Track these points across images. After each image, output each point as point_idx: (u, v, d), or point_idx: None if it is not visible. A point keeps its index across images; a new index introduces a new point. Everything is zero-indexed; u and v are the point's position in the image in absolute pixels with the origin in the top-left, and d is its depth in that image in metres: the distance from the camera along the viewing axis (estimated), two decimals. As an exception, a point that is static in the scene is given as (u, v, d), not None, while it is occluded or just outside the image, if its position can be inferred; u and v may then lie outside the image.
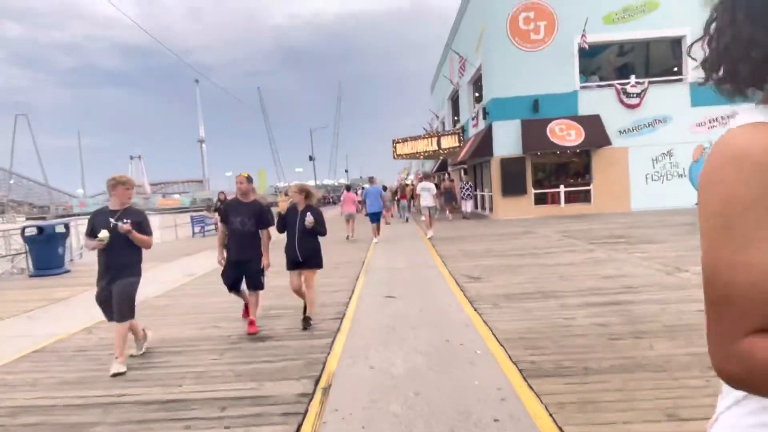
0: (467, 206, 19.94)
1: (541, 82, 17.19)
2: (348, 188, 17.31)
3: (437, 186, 20.19)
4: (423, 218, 14.24)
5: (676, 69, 18.18)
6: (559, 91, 17.21)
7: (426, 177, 16.62)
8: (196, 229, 18.93)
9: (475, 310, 5.37)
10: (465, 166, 23.98)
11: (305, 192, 5.29)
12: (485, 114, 18.23)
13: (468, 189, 21.41)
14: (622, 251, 8.57)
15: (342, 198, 16.86)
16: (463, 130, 22.96)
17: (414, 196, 18.83)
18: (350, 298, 6.38)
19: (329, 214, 29.08)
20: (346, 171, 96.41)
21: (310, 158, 49.58)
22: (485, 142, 17.79)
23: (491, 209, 19.15)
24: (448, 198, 20.51)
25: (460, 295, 6.14)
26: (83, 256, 14.81)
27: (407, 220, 20.38)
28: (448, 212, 19.62)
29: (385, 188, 28.67)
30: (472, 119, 20.89)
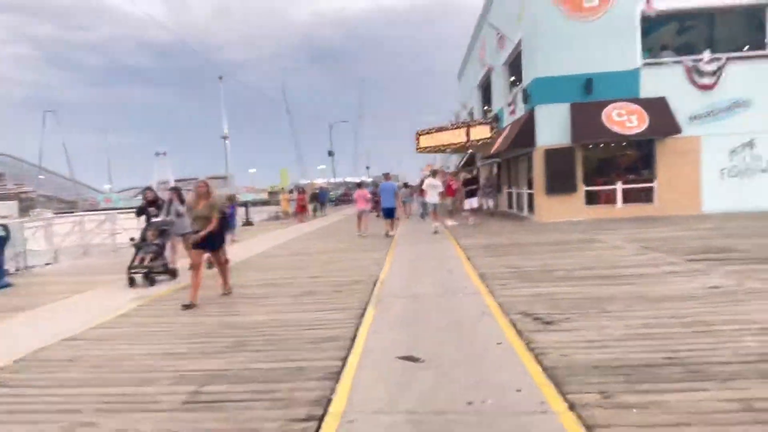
0: (483, 203, 17.28)
1: (594, 58, 14.38)
2: (359, 186, 15.78)
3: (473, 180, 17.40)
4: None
5: (752, 43, 15.10)
6: (616, 68, 14.38)
7: (434, 174, 14.89)
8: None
9: (572, 407, 2.84)
10: (498, 160, 21.25)
11: None
12: (526, 97, 15.50)
13: (491, 186, 19.41)
14: (752, 276, 5.87)
15: (354, 196, 15.49)
16: (497, 118, 20.24)
17: (422, 193, 16.97)
18: (346, 358, 3.90)
19: (349, 211, 26.64)
20: (368, 168, 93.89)
21: (330, 153, 47.41)
22: (526, 130, 15.08)
23: (531, 209, 16.42)
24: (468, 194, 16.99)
25: (531, 362, 3.60)
26: (56, 260, 12.79)
27: (423, 218, 17.93)
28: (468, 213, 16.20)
29: (406, 185, 26.43)
30: (508, 105, 18.16)
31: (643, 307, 4.82)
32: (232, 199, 13.76)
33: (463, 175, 16.62)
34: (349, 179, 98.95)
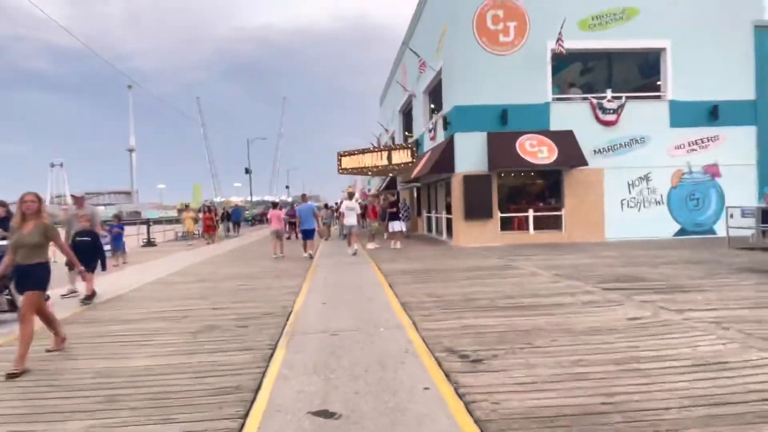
0: (402, 227, 17.06)
1: (510, 90, 14.96)
2: (275, 205, 15.35)
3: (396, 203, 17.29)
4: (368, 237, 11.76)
5: (647, 84, 16.64)
6: (529, 101, 15.04)
7: (350, 197, 15.02)
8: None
9: (513, 474, 2.42)
10: (418, 185, 21.40)
11: None
12: (446, 124, 15.72)
13: (406, 210, 19.73)
14: (662, 305, 5.99)
15: (269, 216, 14.68)
16: (417, 143, 20.44)
17: (340, 215, 17.39)
18: (246, 415, 3.22)
19: (266, 232, 25.28)
20: (287, 187, 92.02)
21: (246, 171, 45.58)
22: (446, 156, 15.23)
23: (449, 233, 16.55)
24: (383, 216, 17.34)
25: (462, 413, 3.17)
26: None
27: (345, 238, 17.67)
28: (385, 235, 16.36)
29: (326, 206, 25.95)
30: (429, 131, 18.41)
31: (569, 341, 4.64)
32: (118, 218, 12.26)
33: (384, 198, 16.43)
34: (267, 198, 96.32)
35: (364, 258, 12.63)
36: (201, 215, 20.54)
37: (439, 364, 4.12)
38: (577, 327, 5.14)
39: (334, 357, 4.42)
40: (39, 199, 4.62)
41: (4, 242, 6.23)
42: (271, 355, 4.54)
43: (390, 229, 15.47)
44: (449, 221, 16.62)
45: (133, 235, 20.88)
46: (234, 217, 26.76)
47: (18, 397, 3.71)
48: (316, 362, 4.28)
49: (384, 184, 31.27)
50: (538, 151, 14.61)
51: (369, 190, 49.11)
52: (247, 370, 4.12)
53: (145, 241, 20.42)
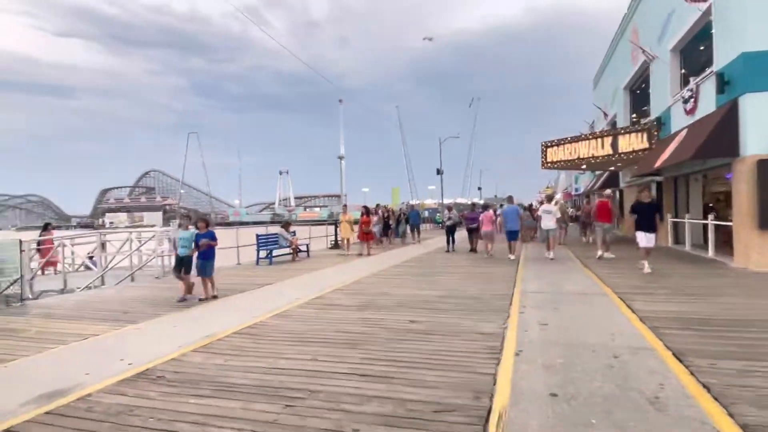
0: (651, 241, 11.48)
1: None
2: (485, 207, 14.89)
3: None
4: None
5: None
6: None
7: (548, 199, 14.44)
8: (261, 254, 13.96)
9: None
10: (659, 179, 15.93)
11: None
12: (722, 85, 10.47)
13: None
14: None
15: (480, 218, 14.02)
16: (659, 123, 15.13)
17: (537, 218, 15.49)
18: None
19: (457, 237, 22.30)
20: (479, 188, 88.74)
21: (438, 171, 43.98)
22: (721, 131, 10.12)
23: (722, 249, 11.25)
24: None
25: None
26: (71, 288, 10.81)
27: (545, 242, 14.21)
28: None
29: (524, 208, 22.40)
30: (685, 102, 13.04)
31: None
32: (205, 222, 8.29)
33: (644, 196, 10.35)
34: (460, 200, 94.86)
35: (593, 282, 8.69)
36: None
37: None
38: None
39: None
40: None
41: None
42: None
43: (642, 244, 10.14)
44: (722, 230, 11.30)
45: (322, 237, 20.24)
46: (412, 219, 21.99)
47: None
48: None
49: (598, 182, 25.79)
50: None
51: (577, 190, 42.60)
52: None
53: (332, 242, 19.58)
